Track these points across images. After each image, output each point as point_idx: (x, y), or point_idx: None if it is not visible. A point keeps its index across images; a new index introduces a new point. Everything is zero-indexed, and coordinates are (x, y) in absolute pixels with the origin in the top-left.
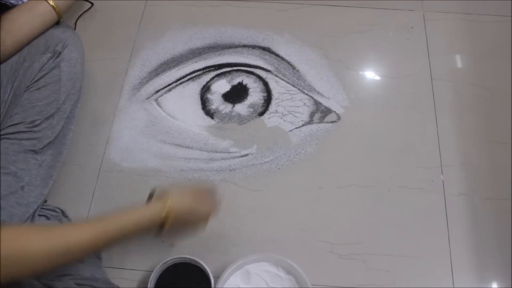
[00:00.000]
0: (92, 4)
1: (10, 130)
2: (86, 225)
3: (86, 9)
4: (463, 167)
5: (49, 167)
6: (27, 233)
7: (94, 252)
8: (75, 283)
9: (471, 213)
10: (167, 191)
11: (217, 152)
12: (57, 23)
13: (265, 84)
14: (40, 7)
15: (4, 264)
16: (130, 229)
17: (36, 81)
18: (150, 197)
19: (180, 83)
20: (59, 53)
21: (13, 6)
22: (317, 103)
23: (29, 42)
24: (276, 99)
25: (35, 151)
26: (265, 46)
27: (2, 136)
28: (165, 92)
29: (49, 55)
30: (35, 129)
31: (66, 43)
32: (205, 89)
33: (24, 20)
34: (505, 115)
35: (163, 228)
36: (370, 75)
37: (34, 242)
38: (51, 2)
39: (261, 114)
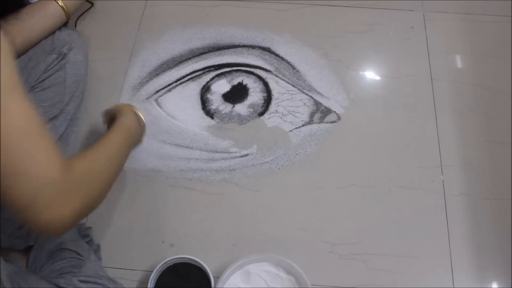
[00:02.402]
0: (92, 4)
1: None
2: (109, 136)
3: (86, 9)
4: (463, 167)
5: None
6: (84, 157)
7: (122, 164)
8: (79, 280)
9: (471, 213)
10: (117, 111)
11: (217, 152)
12: (64, 24)
13: (265, 84)
14: (49, 7)
15: (81, 187)
16: (131, 138)
17: (41, 82)
18: (110, 119)
19: (180, 83)
20: (65, 55)
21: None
22: (317, 103)
23: (38, 42)
24: (276, 99)
25: None
26: (265, 46)
27: None
28: (165, 92)
29: (54, 56)
30: None
31: (71, 46)
32: (205, 89)
33: (35, 20)
34: (505, 115)
35: (143, 131)
36: (370, 75)
37: (89, 161)
38: (60, 3)
39: (261, 114)
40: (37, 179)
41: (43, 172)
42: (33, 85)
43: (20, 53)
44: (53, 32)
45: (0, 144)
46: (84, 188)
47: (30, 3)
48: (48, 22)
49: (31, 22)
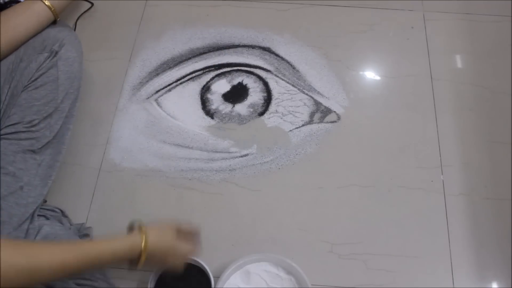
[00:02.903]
0: (92, 4)
1: (8, 130)
2: (59, 246)
3: (86, 9)
4: (463, 167)
5: (48, 167)
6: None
7: (65, 276)
8: (75, 283)
9: (471, 213)
10: (146, 227)
11: (217, 152)
12: (53, 22)
13: (265, 84)
14: (35, 7)
15: None
16: (104, 259)
17: (33, 81)
18: (131, 228)
19: (180, 83)
20: (56, 52)
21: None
22: (317, 103)
23: (24, 42)
24: (276, 99)
25: (33, 151)
26: (265, 46)
27: (0, 136)
28: (165, 92)
29: (46, 54)
30: (33, 128)
31: (63, 42)
32: (205, 89)
33: (20, 20)
34: (505, 115)
35: (139, 262)
36: (370, 75)
37: (2, 255)
38: (47, 2)
39: (261, 114)
40: None
41: None
42: (26, 85)
43: (6, 54)
44: (42, 31)
45: None
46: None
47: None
48: (33, 22)
49: (16, 22)
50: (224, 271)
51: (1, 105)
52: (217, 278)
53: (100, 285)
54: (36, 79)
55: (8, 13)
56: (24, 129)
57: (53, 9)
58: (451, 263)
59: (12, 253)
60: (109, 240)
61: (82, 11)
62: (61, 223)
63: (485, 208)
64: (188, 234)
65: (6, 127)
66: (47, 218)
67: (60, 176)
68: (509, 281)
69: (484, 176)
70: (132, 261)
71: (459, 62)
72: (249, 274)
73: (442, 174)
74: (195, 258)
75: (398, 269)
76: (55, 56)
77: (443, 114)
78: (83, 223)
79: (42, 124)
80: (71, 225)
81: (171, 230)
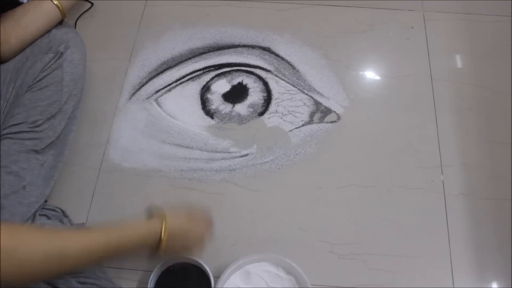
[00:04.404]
0: (92, 4)
1: (12, 129)
2: (85, 231)
3: (86, 9)
4: (463, 167)
5: (50, 167)
6: (25, 231)
7: (89, 263)
8: (78, 281)
9: (471, 213)
10: (163, 212)
11: (217, 152)
12: (60, 22)
13: (265, 84)
14: (44, 6)
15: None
16: (127, 245)
17: (38, 81)
18: (149, 214)
19: (180, 83)
20: (62, 54)
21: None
22: (317, 103)
23: (33, 41)
24: (276, 99)
25: (37, 151)
26: (265, 46)
27: (4, 136)
28: (165, 92)
29: (51, 55)
30: (37, 129)
31: (68, 44)
32: (205, 89)
33: (29, 19)
34: (505, 115)
35: (159, 247)
36: (370, 75)
37: (31, 240)
38: (55, 2)
39: (261, 114)
40: None
41: None
42: (31, 85)
43: (16, 52)
44: (49, 31)
45: None
46: (4, 263)
47: (22, 2)
48: (43, 21)
49: (26, 21)
50: (224, 271)
51: (5, 103)
52: (217, 278)
53: (102, 284)
54: (41, 80)
55: (19, 12)
56: (28, 129)
57: (61, 8)
58: (451, 263)
59: (39, 236)
60: (131, 226)
61: (82, 11)
62: (62, 222)
63: (485, 208)
64: (201, 215)
65: (10, 126)
66: (49, 218)
67: (60, 176)
68: (509, 281)
69: (484, 176)
70: (153, 247)
71: (459, 62)
72: (249, 274)
73: (442, 174)
74: (195, 258)
75: (398, 269)
76: (60, 57)
77: (443, 114)
78: (83, 223)
79: (45, 125)
80: (71, 224)
81: (185, 215)
